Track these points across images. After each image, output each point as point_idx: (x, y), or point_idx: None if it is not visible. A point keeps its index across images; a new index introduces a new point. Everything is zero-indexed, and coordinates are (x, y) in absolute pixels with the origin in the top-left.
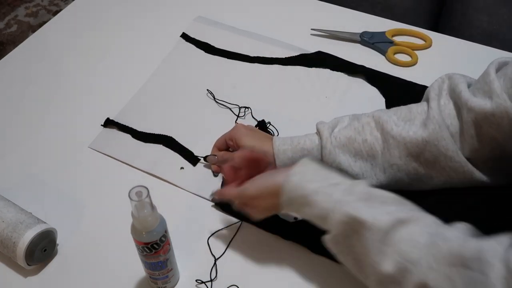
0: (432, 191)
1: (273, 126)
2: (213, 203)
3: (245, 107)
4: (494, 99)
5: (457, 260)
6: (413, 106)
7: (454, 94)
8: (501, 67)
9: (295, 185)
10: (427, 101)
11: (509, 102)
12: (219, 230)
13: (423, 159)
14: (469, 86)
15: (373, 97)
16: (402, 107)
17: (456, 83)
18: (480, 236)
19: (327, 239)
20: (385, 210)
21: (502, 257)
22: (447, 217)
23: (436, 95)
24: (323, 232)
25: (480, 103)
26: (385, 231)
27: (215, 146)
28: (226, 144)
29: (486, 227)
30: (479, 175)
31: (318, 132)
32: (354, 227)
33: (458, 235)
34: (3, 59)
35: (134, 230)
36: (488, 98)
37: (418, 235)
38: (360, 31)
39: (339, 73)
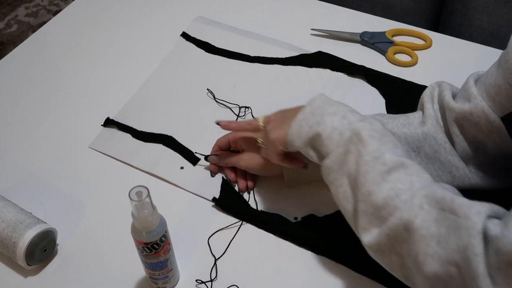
0: None
1: None
2: (213, 203)
3: (245, 107)
4: (472, 101)
5: (448, 207)
6: (409, 114)
7: (441, 98)
8: (479, 78)
9: (319, 105)
10: (422, 106)
11: (484, 102)
12: (219, 230)
13: (424, 153)
14: (454, 94)
15: (373, 97)
16: (400, 115)
17: (442, 89)
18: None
19: (327, 162)
20: (394, 151)
21: (488, 209)
22: None
23: (430, 98)
24: (323, 232)
25: (460, 105)
26: (388, 167)
27: (216, 145)
28: (229, 144)
29: None
30: (474, 177)
31: None
32: (361, 151)
33: (450, 190)
34: (3, 59)
35: (134, 230)
36: (467, 101)
37: (416, 181)
38: (360, 31)
39: (339, 73)
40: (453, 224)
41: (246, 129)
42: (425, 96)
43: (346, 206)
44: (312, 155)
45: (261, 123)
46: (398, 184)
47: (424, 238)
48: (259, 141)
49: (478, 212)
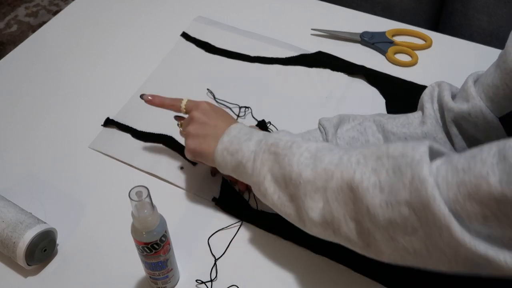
0: None
1: (273, 126)
2: (213, 203)
3: (245, 107)
4: (470, 101)
5: (383, 153)
6: (409, 114)
7: (440, 98)
8: (478, 78)
9: (235, 134)
10: (422, 106)
11: (483, 102)
12: (219, 230)
13: None
14: (453, 94)
15: (373, 97)
16: (400, 115)
17: (442, 89)
18: None
19: (253, 179)
20: (305, 140)
21: (426, 144)
22: None
23: (430, 98)
24: None
25: (459, 105)
26: (304, 148)
27: None
28: None
29: None
30: None
31: (323, 128)
32: (276, 151)
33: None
34: (3, 59)
35: (134, 230)
36: (466, 102)
37: (334, 148)
38: (360, 31)
39: (339, 73)
40: (392, 167)
41: (169, 106)
42: (425, 96)
43: (287, 210)
44: (244, 179)
45: (183, 106)
46: (318, 153)
47: (367, 191)
48: (179, 127)
49: (412, 147)
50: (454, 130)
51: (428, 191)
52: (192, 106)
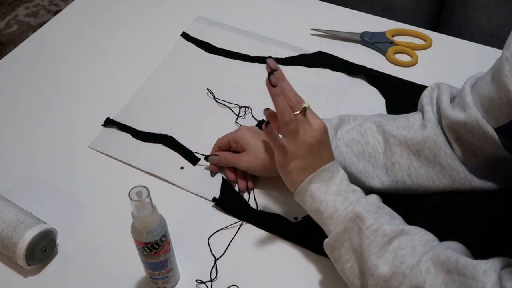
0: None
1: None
2: (213, 203)
3: (245, 107)
4: (467, 110)
5: (454, 268)
6: (409, 116)
7: (438, 102)
8: (476, 82)
9: (325, 180)
10: (421, 108)
11: (479, 112)
12: (219, 230)
13: (424, 157)
14: (453, 96)
15: (373, 97)
16: (400, 116)
17: (441, 92)
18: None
19: (328, 241)
20: (392, 222)
21: (497, 271)
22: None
23: (429, 100)
24: (323, 232)
25: (455, 113)
26: (389, 237)
27: (216, 145)
28: (229, 145)
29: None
30: (474, 180)
31: None
32: (361, 227)
33: (455, 248)
34: (3, 59)
35: (134, 230)
36: (462, 110)
37: (418, 244)
38: (360, 31)
39: (339, 73)
40: (463, 286)
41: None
42: (424, 98)
43: (354, 281)
44: (315, 220)
45: (302, 107)
46: (400, 251)
47: None
48: (265, 113)
49: (484, 271)
50: (451, 137)
51: None
52: (312, 120)
